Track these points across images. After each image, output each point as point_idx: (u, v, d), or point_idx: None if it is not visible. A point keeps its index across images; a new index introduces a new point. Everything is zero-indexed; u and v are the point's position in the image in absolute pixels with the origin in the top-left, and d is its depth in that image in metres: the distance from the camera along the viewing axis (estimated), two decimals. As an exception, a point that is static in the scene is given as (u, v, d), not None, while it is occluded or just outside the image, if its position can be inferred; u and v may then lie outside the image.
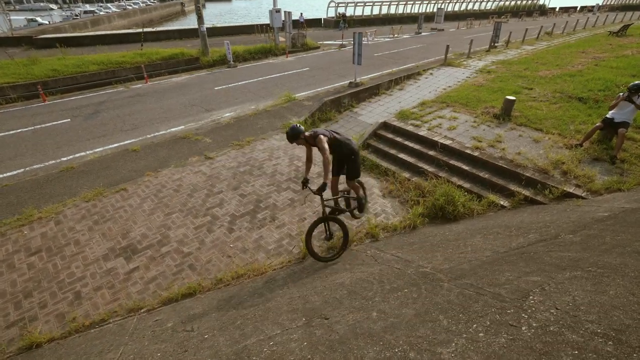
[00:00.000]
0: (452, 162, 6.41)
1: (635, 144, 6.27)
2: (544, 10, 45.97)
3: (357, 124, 9.04)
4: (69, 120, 9.98)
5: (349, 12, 34.37)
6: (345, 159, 4.53)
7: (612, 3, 52.39)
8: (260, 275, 4.36)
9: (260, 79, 14.31)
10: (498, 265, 3.04)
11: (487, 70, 12.17)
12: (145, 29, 23.00)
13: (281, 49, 19.51)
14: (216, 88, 13.06)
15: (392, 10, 36.30)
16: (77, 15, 44.77)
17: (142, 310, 3.91)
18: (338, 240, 4.74)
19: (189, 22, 46.00)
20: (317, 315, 2.77)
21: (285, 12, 19.99)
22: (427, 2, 38.53)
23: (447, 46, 13.73)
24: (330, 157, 4.16)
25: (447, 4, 39.80)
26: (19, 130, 9.27)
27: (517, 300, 2.29)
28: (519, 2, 47.35)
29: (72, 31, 30.90)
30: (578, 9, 48.24)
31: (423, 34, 26.89)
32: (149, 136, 8.81)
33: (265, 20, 20.49)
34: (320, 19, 33.30)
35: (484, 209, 5.35)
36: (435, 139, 6.98)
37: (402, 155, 6.99)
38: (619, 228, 3.43)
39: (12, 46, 21.76)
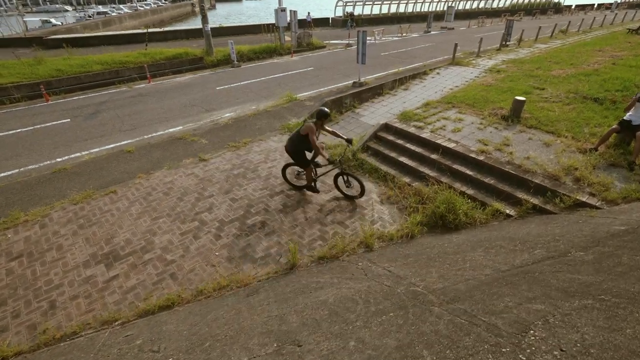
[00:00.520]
0: (456, 166, 6.04)
1: (656, 149, 5.81)
2: (559, 8, 44.75)
3: (358, 125, 8.72)
4: (69, 120, 9.92)
5: (357, 11, 34.01)
6: None
7: (631, 0, 50.70)
8: (244, 286, 4.09)
9: (263, 78, 14.10)
10: (497, 286, 2.71)
11: (497, 70, 11.69)
12: (150, 29, 23.07)
13: (286, 48, 19.29)
14: (218, 88, 12.89)
15: (402, 9, 35.78)
16: (90, 17, 45.45)
17: (116, 323, 3.68)
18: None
19: (199, 23, 46.31)
20: (291, 340, 2.49)
21: (290, 11, 19.76)
22: (437, 0, 37.87)
23: (456, 45, 13.28)
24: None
25: (457, 3, 39.06)
26: (19, 130, 9.23)
27: (516, 335, 1.97)
28: (532, 0, 46.20)
29: (84, 32, 31.31)
30: (595, 6, 46.83)
31: (432, 32, 26.34)
32: (146, 137, 8.66)
33: (273, 20, 20.26)
34: (328, 18, 33.03)
35: (487, 218, 4.98)
36: (438, 141, 6.62)
37: (402, 159, 6.65)
38: (638, 245, 3.05)
39: (23, 47, 22.06)
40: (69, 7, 64.71)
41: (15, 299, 4.07)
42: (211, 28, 17.58)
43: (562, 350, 1.75)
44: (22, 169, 7.16)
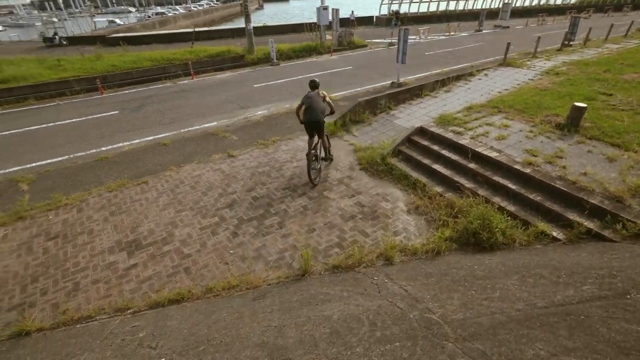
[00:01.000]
0: (496, 178, 5.47)
1: None
2: (638, 4, 39.92)
3: (392, 127, 8.31)
4: (117, 112, 10.57)
5: (404, 9, 32.95)
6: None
7: None
8: (253, 289, 3.97)
9: (300, 77, 14.05)
10: (529, 327, 2.29)
11: (556, 72, 10.57)
12: (197, 29, 24.08)
13: (326, 47, 19.13)
14: (255, 85, 13.06)
15: (452, 7, 34.08)
16: (149, 17, 48.75)
17: (128, 312, 3.73)
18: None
19: (257, 23, 47.68)
20: (283, 359, 2.29)
21: (332, 9, 19.55)
22: (493, -3, 35.60)
23: (508, 44, 12.24)
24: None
25: None
26: (74, 120, 10.01)
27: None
28: (604, -4, 41.73)
29: (142, 30, 33.57)
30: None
31: (484, 31, 24.74)
32: (182, 131, 8.95)
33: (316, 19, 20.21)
34: (372, 17, 32.36)
35: (529, 240, 4.40)
36: (479, 149, 6.05)
37: (436, 166, 6.17)
38: None
39: (89, 44, 24.09)
40: (132, 9, 70.10)
41: (46, 277, 4.31)
42: (255, 27, 17.94)
43: None
44: (71, 156, 7.71)
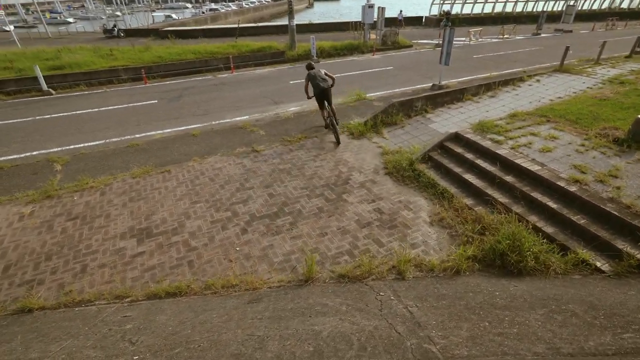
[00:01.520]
0: (535, 194, 4.86)
1: None
2: None
3: (426, 131, 7.79)
4: (156, 101, 11.01)
5: (456, 10, 31.46)
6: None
7: None
8: (252, 290, 3.80)
9: (338, 75, 13.71)
10: (545, 379, 1.88)
11: (620, 81, 9.37)
12: (243, 24, 24.61)
13: (369, 46, 18.69)
14: (291, 82, 13.00)
15: (509, 8, 31.96)
16: (203, 12, 51.04)
17: (126, 300, 3.73)
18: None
19: (297, 19, 48.27)
20: (253, 377, 2.07)
21: (378, 7, 19.04)
22: (555, -1, 32.90)
23: (567, 48, 11.08)
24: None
25: (581, 1, 33.31)
26: (116, 107, 10.56)
27: None
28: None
29: (194, 25, 35.12)
30: None
31: (542, 35, 22.88)
32: (213, 122, 9.07)
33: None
34: (422, 17, 31.24)
35: (566, 268, 3.82)
36: (518, 161, 5.44)
37: (468, 176, 5.63)
38: None
39: (144, 36, 25.60)
40: (189, 5, 73.93)
41: (59, 256, 4.46)
42: (300, 24, 17.92)
43: None
44: (107, 140, 8.09)
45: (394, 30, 20.30)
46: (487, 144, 6.08)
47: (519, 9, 32.39)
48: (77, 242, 4.69)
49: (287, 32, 17.97)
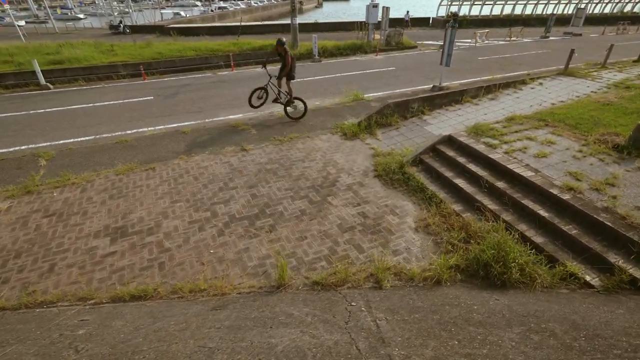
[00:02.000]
0: (526, 202, 4.62)
1: None
2: None
3: (421, 133, 7.57)
4: (152, 98, 10.93)
5: (464, 11, 31.07)
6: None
7: None
8: (221, 296, 3.64)
9: (339, 75, 13.62)
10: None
11: (627, 85, 9.04)
12: (247, 23, 24.56)
13: (373, 46, 18.47)
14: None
15: (517, 11, 31.46)
16: (212, 11, 51.17)
17: (89, 302, 3.59)
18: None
19: (304, 19, 48.15)
20: (187, 397, 1.90)
21: (383, 7, 18.81)
22: (565, 1, 32.29)
23: (572, 50, 10.75)
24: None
25: (592, 5, 32.63)
26: (112, 102, 10.50)
27: None
28: None
29: (201, 23, 35.25)
30: None
31: (551, 38, 22.47)
32: (207, 120, 8.95)
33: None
34: (429, 18, 30.90)
35: (553, 282, 3.59)
36: (511, 166, 5.20)
37: (458, 181, 5.41)
38: None
39: (149, 33, 25.71)
40: (198, 2, 74.32)
41: (29, 254, 4.34)
42: (306, 24, 17.74)
43: None
44: (97, 136, 8.00)
45: (398, 31, 20.05)
46: (480, 147, 5.85)
47: (528, 11, 31.89)
48: (49, 240, 4.57)
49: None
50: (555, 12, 27.76)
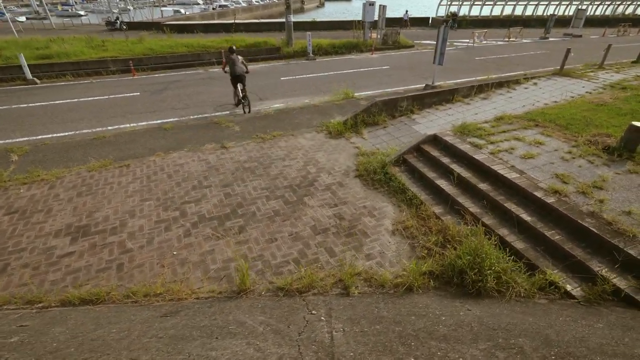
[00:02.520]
0: (508, 205, 4.39)
1: None
2: None
3: (408, 133, 7.34)
4: (139, 93, 10.72)
5: (464, 11, 30.82)
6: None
7: None
8: (177, 300, 3.42)
9: (331, 73, 13.39)
10: None
11: (623, 86, 8.79)
12: (247, 21, 24.33)
13: (369, 45, 18.22)
14: (282, 78, 12.64)
15: (518, 12, 31.20)
16: (214, 9, 50.97)
17: (36, 306, 3.37)
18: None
19: (303, 17, 47.92)
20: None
21: (380, 6, 18.56)
22: (565, 2, 31.99)
23: (568, 50, 10.51)
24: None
25: (593, 7, 32.32)
26: (97, 98, 10.29)
27: None
28: None
29: (200, 20, 34.98)
30: None
31: (551, 39, 22.19)
32: (191, 117, 8.75)
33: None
34: (429, 18, 30.61)
35: (531, 291, 3.36)
36: (495, 167, 4.97)
37: (440, 182, 5.18)
38: None
39: (146, 29, 25.44)
40: (200, 0, 74.19)
41: (-17, 253, 4.13)
42: (305, 22, 17.45)
43: None
44: (77, 132, 7.80)
45: (395, 30, 19.81)
46: (465, 147, 5.62)
47: (528, 12, 31.60)
48: (7, 238, 4.35)
49: (294, 30, 17.62)
50: (555, 13, 27.46)
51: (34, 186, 5.51)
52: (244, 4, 56.80)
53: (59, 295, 3.51)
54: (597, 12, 33.44)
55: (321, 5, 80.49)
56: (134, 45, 15.00)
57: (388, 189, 5.46)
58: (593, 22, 29.18)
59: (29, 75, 11.68)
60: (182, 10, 44.42)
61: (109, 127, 8.04)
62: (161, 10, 41.22)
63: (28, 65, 11.82)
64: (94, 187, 5.50)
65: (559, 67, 11.49)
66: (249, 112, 9.00)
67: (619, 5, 34.22)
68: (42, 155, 6.51)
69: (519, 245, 3.92)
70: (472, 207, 4.58)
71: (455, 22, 27.01)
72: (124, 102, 9.86)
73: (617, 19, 30.45)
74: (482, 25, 27.26)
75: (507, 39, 21.80)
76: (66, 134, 7.67)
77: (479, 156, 5.31)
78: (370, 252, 4.18)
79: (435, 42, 19.22)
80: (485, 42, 21.04)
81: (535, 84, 9.68)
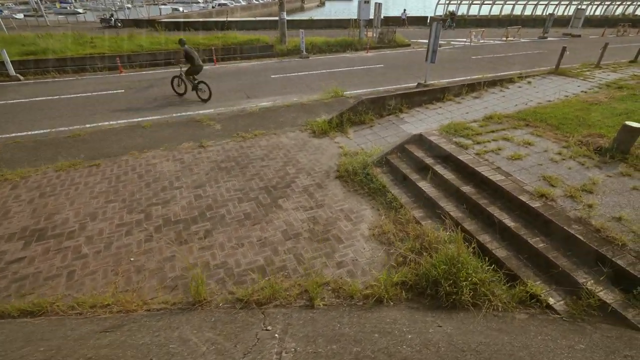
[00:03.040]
0: (492, 209, 4.11)
1: None
2: None
3: (395, 132, 7.06)
4: (123, 91, 10.44)
5: (462, 10, 30.55)
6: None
7: None
8: (126, 313, 3.14)
9: (324, 71, 13.10)
10: None
11: (619, 85, 8.51)
12: (235, 18, 24.04)
13: (364, 43, 17.94)
14: (272, 76, 12.36)
15: (517, 11, 30.90)
16: (213, 7, 50.65)
17: (-28, 318, 3.10)
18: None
19: (302, 16, 47.45)
20: None
21: (375, 4, 18.29)
22: (565, 2, 31.68)
23: (563, 48, 10.23)
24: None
25: (593, 7, 32.00)
26: (79, 95, 10.01)
27: None
28: None
29: (197, 18, 34.69)
30: None
31: (549, 39, 21.89)
32: (174, 115, 8.47)
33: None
34: (427, 17, 30.33)
35: (510, 304, 3.08)
36: (479, 168, 4.69)
37: (422, 184, 4.90)
38: None
39: (141, 27, 25.19)
40: (200, -1, 73.86)
41: None
42: (302, 20, 17.15)
43: None
44: (53, 130, 7.51)
45: (391, 29, 19.52)
46: (450, 147, 5.34)
47: (527, 12, 31.30)
48: (-46, 242, 4.08)
49: (290, 27, 17.37)
50: (554, 13, 27.15)
51: (-5, 186, 5.24)
52: (243, 3, 56.52)
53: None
54: (597, 12, 33.12)
55: (321, 4, 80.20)
56: (122, 42, 14.71)
57: (368, 191, 5.18)
58: (593, 22, 28.90)
59: (12, 71, 11.40)
60: (181, 9, 44.16)
61: (87, 125, 7.76)
62: (159, 9, 40.98)
63: (13, 61, 11.55)
64: (59, 187, 5.22)
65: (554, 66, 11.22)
66: (210, 97, 9.28)
67: (618, 5, 33.92)
68: (11, 154, 6.24)
69: (500, 253, 3.64)
70: (454, 211, 4.30)
71: (453, 21, 26.74)
72: (106, 100, 9.58)
73: (616, 19, 30.14)
74: (481, 25, 26.96)
75: (504, 39, 21.51)
76: (41, 131, 7.38)
77: (464, 157, 5.03)
78: (342, 260, 3.90)
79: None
80: (482, 41, 20.75)
81: (529, 82, 9.40)
